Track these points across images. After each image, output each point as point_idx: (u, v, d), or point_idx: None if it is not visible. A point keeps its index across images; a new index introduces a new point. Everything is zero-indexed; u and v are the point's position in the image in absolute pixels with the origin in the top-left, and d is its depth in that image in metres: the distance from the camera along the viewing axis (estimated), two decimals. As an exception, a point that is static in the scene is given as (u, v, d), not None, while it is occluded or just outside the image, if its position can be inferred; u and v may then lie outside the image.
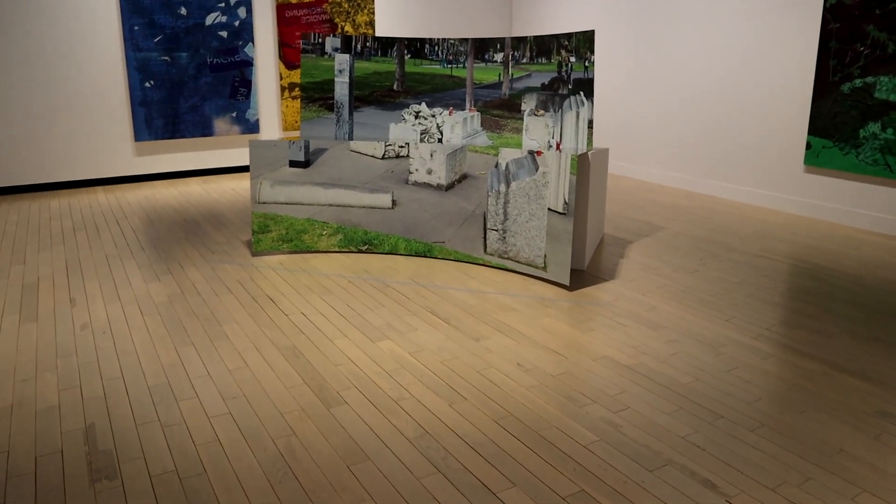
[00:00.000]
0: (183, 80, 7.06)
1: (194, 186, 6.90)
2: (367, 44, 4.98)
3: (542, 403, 2.74)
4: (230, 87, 7.32)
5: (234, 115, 7.38)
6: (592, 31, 4.26)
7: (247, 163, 7.59)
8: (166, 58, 6.94)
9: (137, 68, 6.82)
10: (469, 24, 8.71)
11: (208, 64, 7.15)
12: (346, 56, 4.92)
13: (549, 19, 8.46)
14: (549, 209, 3.99)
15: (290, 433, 2.53)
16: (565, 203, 3.90)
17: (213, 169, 7.48)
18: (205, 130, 7.26)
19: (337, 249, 4.65)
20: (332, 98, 4.95)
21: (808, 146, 5.68)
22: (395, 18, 8.26)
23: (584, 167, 4.20)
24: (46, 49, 6.40)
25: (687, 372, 3.01)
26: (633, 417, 2.64)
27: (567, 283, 3.94)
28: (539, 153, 4.01)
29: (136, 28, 6.73)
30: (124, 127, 6.90)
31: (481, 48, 4.78)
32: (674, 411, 2.69)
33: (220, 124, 7.32)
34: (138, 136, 6.94)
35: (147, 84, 6.90)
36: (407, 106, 4.91)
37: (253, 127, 7.50)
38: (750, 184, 6.25)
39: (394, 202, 4.55)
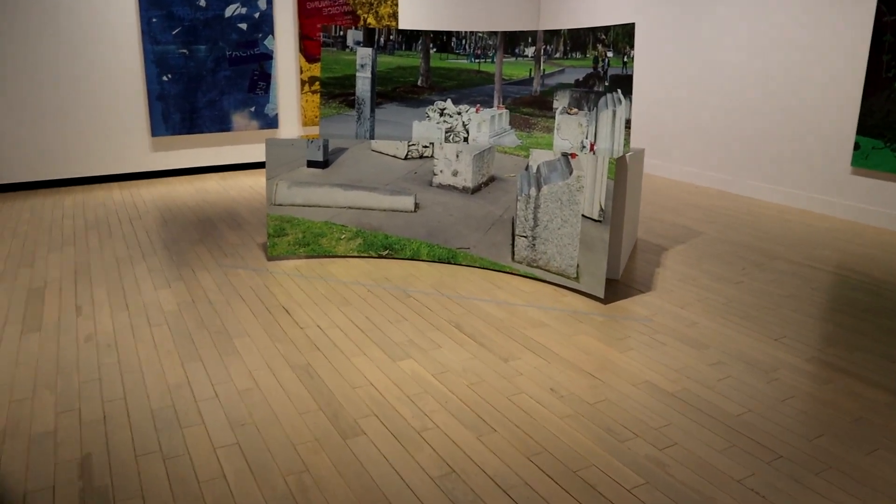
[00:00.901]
0: (201, 73, 6.86)
1: (211, 183, 6.70)
2: (391, 37, 4.73)
3: (579, 437, 2.48)
4: (249, 81, 7.11)
5: (252, 109, 7.17)
6: (632, 25, 3.97)
7: (264, 159, 7.38)
8: (184, 51, 6.74)
9: (155, 62, 6.63)
10: (494, 16, 8.42)
11: (227, 57, 6.95)
12: (369, 50, 4.68)
13: (581, 10, 8.14)
14: (583, 216, 3.72)
15: (303, 469, 2.30)
16: (601, 210, 3.63)
17: (231, 165, 7.28)
18: (223, 125, 7.06)
19: (356, 254, 4.42)
20: (353, 94, 4.71)
21: (857, 147, 5.34)
22: (420, 10, 8.00)
23: (622, 171, 3.92)
24: (62, 43, 6.22)
25: (737, 401, 2.74)
26: (681, 455, 2.38)
27: (602, 295, 3.67)
28: (573, 155, 3.74)
29: (153, 20, 6.53)
30: (141, 122, 6.72)
31: (511, 42, 4.51)
32: (726, 448, 2.43)
33: (238, 119, 7.12)
34: (155, 132, 6.75)
35: (165, 78, 6.70)
36: (431, 103, 4.66)
37: (272, 122, 7.29)
38: (791, 185, 5.92)
39: (416, 205, 4.30)
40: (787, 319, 3.54)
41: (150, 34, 6.55)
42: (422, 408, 2.67)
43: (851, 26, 5.34)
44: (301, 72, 7.38)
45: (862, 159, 5.33)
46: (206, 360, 3.04)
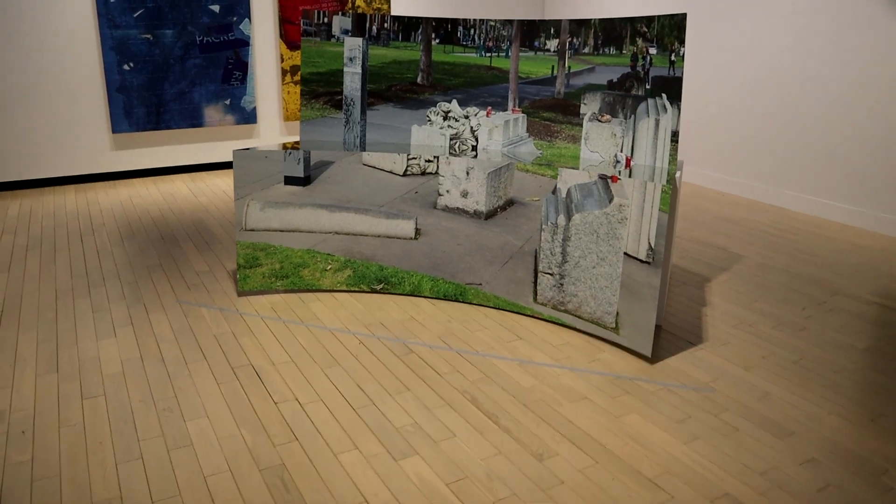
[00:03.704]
0: (168, 62, 6.06)
1: (180, 185, 5.93)
2: (385, 25, 3.98)
3: None
4: (223, 71, 6.31)
5: (227, 102, 6.39)
6: (683, 15, 3.25)
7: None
8: (148, 36, 5.93)
9: (114, 48, 5.82)
10: (494, 2, 7.64)
11: (198, 43, 6.14)
12: (359, 40, 3.92)
13: (588, 1, 7.38)
14: (625, 254, 3.01)
15: None
16: (650, 249, 2.92)
17: (203, 165, 6.50)
18: (193, 120, 6.27)
19: (344, 288, 3.70)
20: (341, 93, 3.97)
21: (920, 156, 4.66)
22: (414, -9, 7.21)
23: (674, 200, 3.22)
24: (5, 26, 5.40)
25: (854, 529, 2.06)
26: None
27: (648, 353, 2.98)
28: (615, 179, 3.03)
29: (111, 1, 5.71)
30: (99, 117, 5.92)
31: (529, 33, 3.77)
32: None
33: (211, 113, 6.33)
34: (116, 128, 5.96)
35: (126, 67, 5.90)
36: (434, 104, 3.92)
37: (249, 116, 6.50)
38: (835, 197, 5.24)
39: (417, 231, 3.58)
40: (877, 387, 2.87)
41: (107, 17, 5.74)
42: (435, 546, 1.97)
43: (916, 17, 4.64)
44: (282, 60, 6.59)
45: (924, 171, 4.65)
46: (148, 460, 2.32)
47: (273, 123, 6.68)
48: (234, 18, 6.25)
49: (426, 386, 2.78)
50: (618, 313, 3.09)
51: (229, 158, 6.57)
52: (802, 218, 5.33)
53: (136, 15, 5.85)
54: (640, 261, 2.96)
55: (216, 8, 6.15)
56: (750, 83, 5.79)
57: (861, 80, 4.98)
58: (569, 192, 3.19)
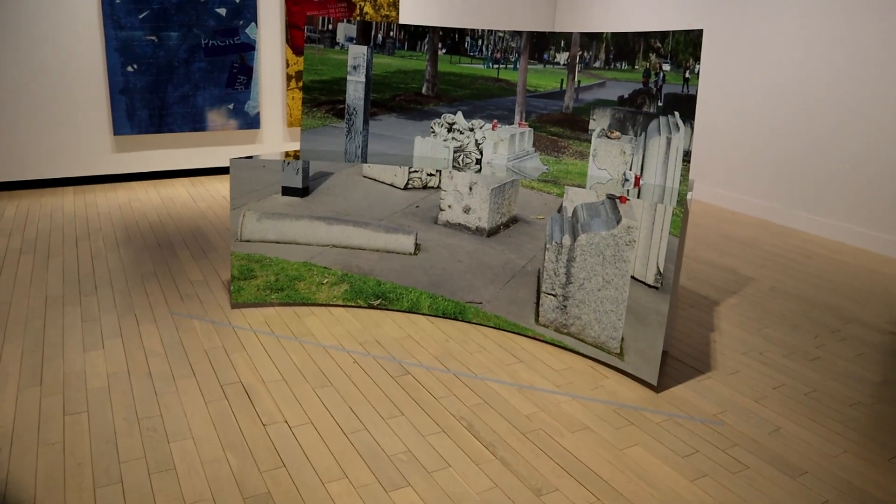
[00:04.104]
0: (172, 64, 5.98)
1: (180, 190, 5.84)
2: (391, 33, 3.89)
3: None
4: (228, 75, 6.23)
5: (231, 106, 6.30)
6: (699, 32, 3.14)
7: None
8: (153, 38, 5.85)
9: (118, 49, 5.74)
10: (504, 13, 7.55)
11: (203, 46, 6.06)
12: (364, 48, 3.83)
13: (599, 15, 7.28)
14: (632, 277, 2.90)
15: None
16: (658, 274, 2.81)
17: (204, 169, 6.42)
18: (196, 124, 6.19)
19: (341, 303, 3.59)
20: (343, 102, 3.87)
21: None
22: (423, 1, 7.12)
23: (685, 222, 3.10)
24: (9, 27, 5.33)
25: (871, 582, 1.94)
26: None
27: (654, 382, 2.86)
28: (623, 199, 2.92)
29: (117, 2, 5.64)
30: (101, 118, 5.84)
31: (539, 45, 3.67)
32: None
33: (214, 117, 6.25)
34: (118, 130, 5.88)
35: (129, 68, 5.82)
36: (438, 115, 3.82)
37: (253, 121, 6.42)
38: (850, 220, 5.11)
39: (417, 246, 3.47)
40: (895, 423, 2.74)
41: (112, 17, 5.66)
42: (424, 590, 1.85)
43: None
44: (288, 65, 6.50)
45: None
46: (128, 482, 2.21)
47: (277, 129, 6.59)
48: (241, 22, 6.17)
49: (421, 410, 2.67)
50: (623, 339, 2.97)
51: (231, 164, 6.48)
52: (815, 240, 5.21)
53: (141, 16, 5.77)
54: (648, 285, 2.84)
55: (223, 11, 6.07)
56: (763, 99, 5.68)
57: (878, 99, 4.86)
58: (575, 211, 3.08)
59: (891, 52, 4.76)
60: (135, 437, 2.44)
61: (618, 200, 2.93)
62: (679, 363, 3.16)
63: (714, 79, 6.09)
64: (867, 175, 4.96)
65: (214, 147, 6.36)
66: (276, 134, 6.60)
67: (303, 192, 3.48)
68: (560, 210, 3.15)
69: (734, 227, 5.48)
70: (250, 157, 3.44)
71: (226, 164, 6.46)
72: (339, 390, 2.79)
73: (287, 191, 3.46)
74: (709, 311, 3.77)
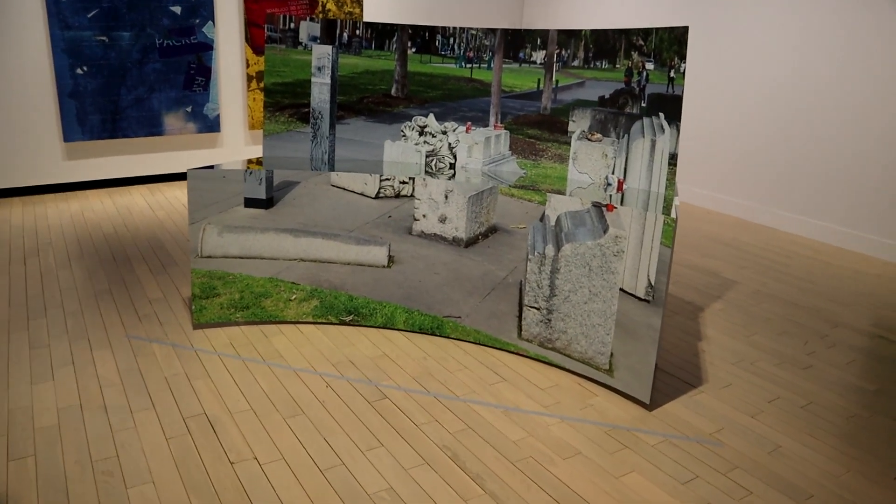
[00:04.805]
0: (125, 65, 5.68)
1: (137, 198, 5.56)
2: (357, 32, 3.68)
3: None
4: (185, 76, 5.95)
5: (189, 109, 6.02)
6: (684, 29, 3.00)
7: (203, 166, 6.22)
8: (103, 38, 5.55)
9: (66, 50, 5.42)
10: (471, 10, 7.36)
11: (157, 46, 5.77)
12: (328, 48, 3.62)
13: (574, 11, 7.14)
14: (621, 289, 2.74)
15: None
16: (649, 286, 2.66)
17: (162, 175, 6.13)
18: (152, 129, 5.89)
19: (311, 320, 3.38)
20: (308, 105, 3.66)
21: (916, 176, 4.47)
22: (386, 1, 6.90)
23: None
24: (-58, 24, 4.99)
25: None
26: None
27: (647, 400, 2.71)
28: (610, 207, 2.76)
29: (63, 0, 5.32)
30: (50, 124, 5.52)
31: (514, 43, 3.50)
32: None
33: (171, 121, 5.96)
34: (68, 136, 5.56)
35: (79, 70, 5.51)
36: (409, 118, 3.63)
37: (213, 124, 6.14)
38: (831, 219, 5.04)
39: (391, 259, 3.28)
40: (893, 437, 2.63)
41: (58, 16, 5.35)
42: None
43: (912, 32, 4.46)
44: (247, 65, 6.24)
45: (920, 191, 4.47)
46: (77, 539, 1.98)
47: (238, 132, 6.33)
48: (197, 21, 5.89)
49: (401, 439, 2.48)
50: (612, 354, 2.82)
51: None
52: (796, 240, 5.13)
53: (90, 15, 5.47)
54: (639, 298, 2.69)
55: (177, 9, 5.78)
56: (743, 97, 5.59)
57: (858, 97, 4.79)
58: (558, 219, 2.91)
59: (876, 54, 4.69)
60: (88, 484, 2.21)
61: (604, 209, 2.77)
62: (669, 376, 3.01)
63: (694, 76, 5.99)
64: (847, 174, 4.89)
65: (172, 152, 6.08)
66: (237, 137, 6.33)
67: (267, 203, 3.26)
68: (542, 218, 2.98)
69: (714, 226, 5.38)
70: (210, 167, 3.21)
71: (185, 169, 6.17)
72: (312, 419, 2.59)
73: (250, 202, 3.24)
74: (694, 318, 3.64)
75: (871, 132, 4.70)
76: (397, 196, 3.25)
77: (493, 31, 3.53)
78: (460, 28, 3.60)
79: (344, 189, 3.28)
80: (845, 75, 4.82)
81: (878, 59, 4.63)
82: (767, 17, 5.29)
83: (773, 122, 5.33)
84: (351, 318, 3.37)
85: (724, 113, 5.70)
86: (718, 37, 5.68)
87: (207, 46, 5.97)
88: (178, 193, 5.76)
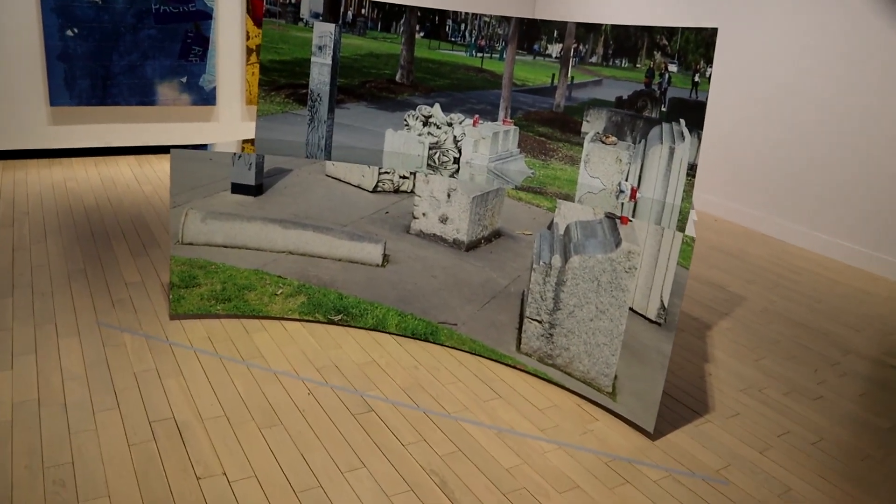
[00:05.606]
0: (118, 30, 5.42)
1: (124, 169, 5.32)
2: (363, 11, 3.46)
3: None
4: (181, 45, 5.69)
5: (184, 80, 5.77)
6: (714, 30, 2.78)
7: (195, 141, 5.99)
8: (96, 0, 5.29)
9: (56, 10, 5.16)
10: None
11: (153, 12, 5.51)
12: (331, 27, 3.39)
13: (587, 5, 6.89)
14: (630, 309, 2.55)
15: None
16: (662, 308, 2.46)
17: (152, 147, 5.88)
18: (144, 97, 5.65)
19: (296, 317, 3.18)
20: (306, 87, 3.43)
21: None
22: (397, -27, 6.62)
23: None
24: (-75, -25, 4.72)
25: None
26: None
27: (651, 429, 2.52)
28: (624, 220, 2.56)
29: (55, -44, 5.05)
30: (37, 86, 5.27)
31: (529, 34, 3.28)
32: None
33: (164, 91, 5.71)
34: (55, 100, 5.32)
35: (69, 32, 5.25)
36: (413, 106, 3.41)
37: (208, 97, 5.90)
38: (840, 235, 4.86)
39: (386, 257, 3.08)
40: (913, 483, 2.46)
41: (50, -25, 5.08)
42: None
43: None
44: (248, 38, 5.98)
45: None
46: (19, 561, 1.79)
47: (234, 107, 6.08)
48: (196, -12, 5.63)
49: (386, 461, 2.29)
50: (616, 376, 2.63)
51: (183, 142, 5.97)
52: (803, 254, 4.95)
53: (83, -25, 5.20)
54: (649, 320, 2.50)
55: (176, -26, 5.52)
56: (753, 106, 5.38)
57: (874, 113, 4.59)
58: (568, 229, 2.71)
59: (889, 68, 4.48)
60: (36, 493, 2.01)
61: (618, 220, 2.57)
62: (674, 401, 2.83)
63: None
64: (857, 189, 4.70)
65: (164, 123, 5.83)
66: (233, 112, 6.09)
67: (255, 189, 3.04)
68: (551, 226, 2.77)
69: (720, 235, 5.19)
70: (195, 147, 2.99)
71: (176, 141, 5.94)
72: (290, 431, 2.40)
73: (238, 188, 3.02)
74: (701, 336, 3.45)
75: (880, 147, 4.51)
76: (396, 191, 3.04)
77: (508, 19, 3.31)
78: (472, 14, 3.37)
79: (339, 180, 3.06)
80: (864, 90, 4.62)
81: (890, 73, 4.43)
82: (775, 24, 5.07)
83: (783, 133, 5.13)
84: (339, 317, 3.17)
85: (735, 120, 5.49)
86: (732, 42, 5.46)
87: (206, 15, 5.71)
88: (166, 167, 5.52)
